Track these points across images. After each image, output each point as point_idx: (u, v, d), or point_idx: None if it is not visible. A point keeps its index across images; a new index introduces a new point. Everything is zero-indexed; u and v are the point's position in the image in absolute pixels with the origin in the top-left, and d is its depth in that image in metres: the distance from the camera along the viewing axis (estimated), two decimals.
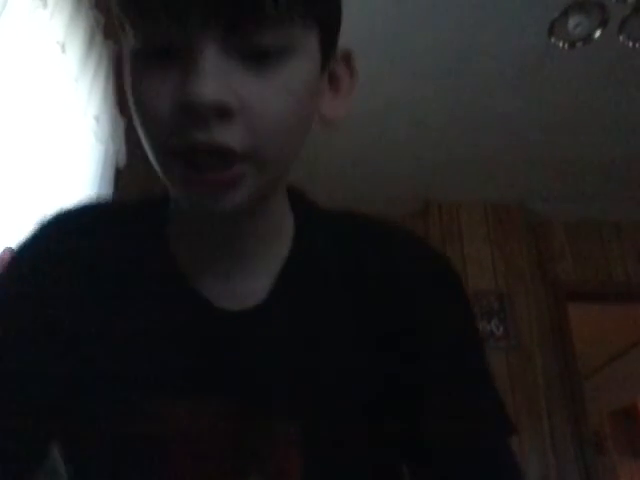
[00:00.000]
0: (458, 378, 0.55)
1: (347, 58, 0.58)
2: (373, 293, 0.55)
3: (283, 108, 0.45)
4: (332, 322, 0.54)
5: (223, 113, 0.42)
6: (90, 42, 1.93)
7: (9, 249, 1.46)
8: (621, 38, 1.95)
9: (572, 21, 1.88)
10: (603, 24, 1.88)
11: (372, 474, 0.54)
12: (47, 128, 1.67)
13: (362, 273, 0.56)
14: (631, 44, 1.96)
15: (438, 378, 0.54)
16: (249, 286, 0.54)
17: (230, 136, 0.43)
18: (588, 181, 3.45)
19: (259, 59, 0.44)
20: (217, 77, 0.41)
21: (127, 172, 2.43)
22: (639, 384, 5.33)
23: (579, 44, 1.95)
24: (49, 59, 1.69)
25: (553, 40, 1.95)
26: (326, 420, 0.51)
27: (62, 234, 0.57)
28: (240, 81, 0.43)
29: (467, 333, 0.58)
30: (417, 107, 2.91)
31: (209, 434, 0.49)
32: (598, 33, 1.90)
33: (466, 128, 3.05)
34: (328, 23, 0.50)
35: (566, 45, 1.96)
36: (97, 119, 2.03)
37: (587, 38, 1.92)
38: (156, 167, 0.47)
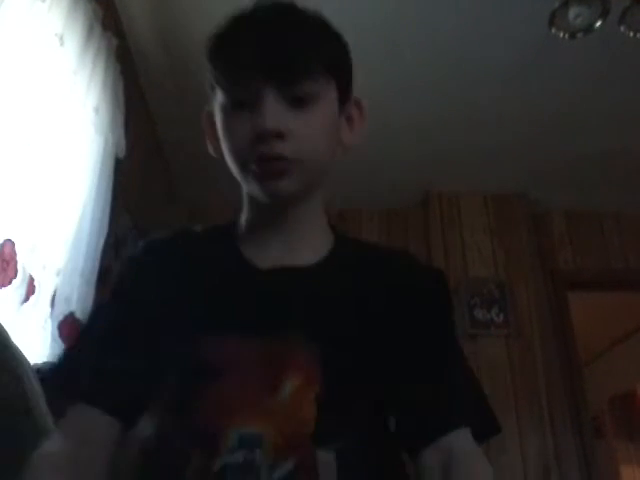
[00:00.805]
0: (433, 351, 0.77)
1: (358, 104, 0.84)
2: (390, 285, 0.77)
3: (314, 134, 0.72)
4: (356, 293, 0.75)
5: (278, 135, 0.69)
6: (89, 34, 1.93)
7: (9, 240, 1.47)
8: (622, 28, 1.94)
9: (573, 12, 1.87)
10: (604, 15, 1.87)
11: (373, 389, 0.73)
12: (46, 120, 1.67)
13: (381, 272, 0.79)
14: (632, 34, 1.96)
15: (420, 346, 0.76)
16: (296, 262, 0.77)
17: (282, 148, 0.70)
18: (588, 170, 3.44)
19: (299, 103, 0.71)
20: (274, 115, 0.69)
21: (127, 162, 2.44)
22: (638, 370, 5.36)
23: (580, 35, 1.94)
24: (48, 51, 1.69)
25: (553, 31, 1.94)
26: (338, 347, 0.69)
27: (164, 238, 0.85)
28: (288, 116, 0.70)
29: (447, 323, 0.82)
30: (417, 98, 2.90)
31: (253, 357, 0.68)
32: (599, 24, 1.90)
33: (466, 118, 3.04)
34: (342, 82, 0.78)
35: (567, 36, 1.95)
36: (96, 110, 2.03)
37: (588, 29, 1.91)
38: (237, 173, 0.75)
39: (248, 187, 0.76)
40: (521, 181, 3.61)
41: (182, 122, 3.08)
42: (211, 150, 0.82)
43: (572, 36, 1.95)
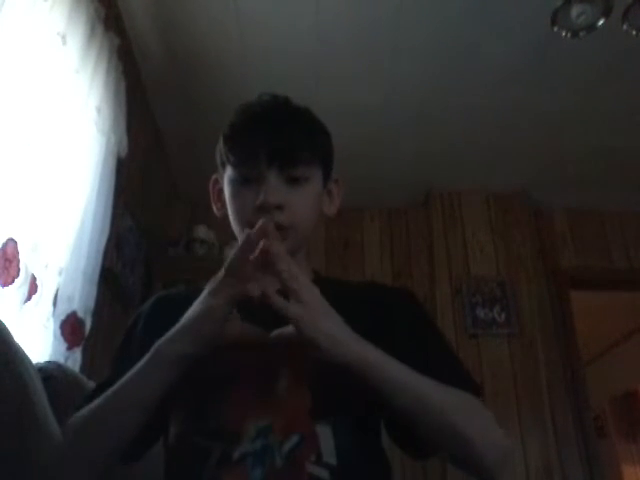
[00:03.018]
0: (421, 344, 0.89)
1: (337, 182, 1.03)
2: (369, 306, 0.93)
3: (305, 207, 0.91)
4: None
5: (278, 207, 0.86)
6: (91, 34, 1.93)
7: (12, 240, 1.48)
8: (624, 27, 1.93)
9: (575, 10, 1.86)
10: (606, 13, 1.86)
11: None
12: (49, 119, 1.67)
13: (359, 298, 0.94)
14: (634, 33, 1.95)
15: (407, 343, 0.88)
16: None
17: (281, 218, 0.87)
18: (589, 169, 3.43)
19: (295, 182, 0.90)
20: (275, 191, 0.87)
21: (128, 162, 2.44)
22: None
23: (582, 33, 1.93)
24: (50, 51, 1.69)
25: (556, 29, 1.93)
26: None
27: (169, 292, 1.03)
28: (286, 192, 0.88)
29: (426, 324, 0.95)
30: (418, 96, 2.90)
31: (255, 365, 0.82)
32: (601, 22, 1.89)
33: (467, 117, 3.04)
34: (326, 167, 0.98)
35: (569, 34, 1.94)
36: (98, 110, 2.03)
37: (590, 27, 1.90)
38: (239, 234, 0.90)
39: None
40: (523, 180, 3.61)
41: (183, 122, 3.09)
42: (215, 210, 1.01)
43: (575, 34, 1.94)
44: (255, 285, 0.75)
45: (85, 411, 0.83)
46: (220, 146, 0.95)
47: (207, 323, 0.77)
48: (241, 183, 0.91)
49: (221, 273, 0.79)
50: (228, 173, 0.93)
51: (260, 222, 0.78)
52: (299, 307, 0.75)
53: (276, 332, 0.78)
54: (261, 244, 0.76)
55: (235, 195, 0.92)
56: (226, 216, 0.95)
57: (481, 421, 0.81)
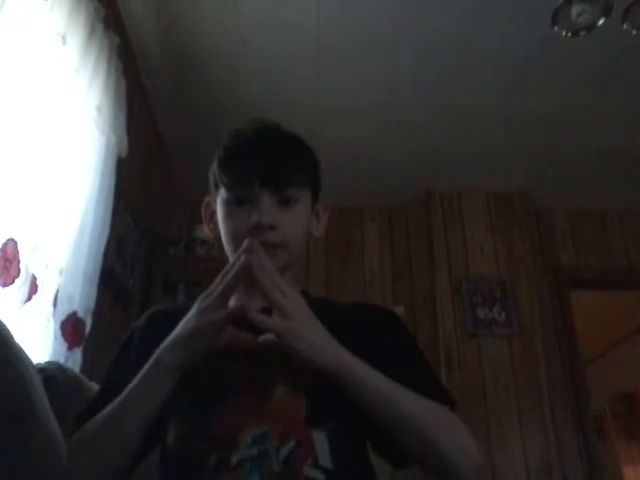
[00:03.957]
0: (403, 360, 0.92)
1: (324, 204, 1.07)
2: (352, 323, 0.95)
3: (296, 226, 0.96)
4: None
5: (271, 227, 0.91)
6: (91, 33, 1.93)
7: (12, 240, 1.47)
8: (624, 26, 1.93)
9: (575, 10, 1.86)
10: (606, 13, 1.86)
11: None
12: (49, 119, 1.67)
13: (343, 315, 0.98)
14: (634, 32, 1.95)
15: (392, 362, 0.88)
16: None
17: (274, 237, 0.91)
18: (589, 168, 3.44)
19: (286, 203, 0.94)
20: (268, 212, 0.91)
21: (128, 162, 2.44)
22: None
23: (582, 33, 1.93)
24: (50, 51, 1.68)
25: (556, 29, 1.93)
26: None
27: (163, 307, 1.06)
28: (278, 213, 0.92)
29: (407, 341, 0.97)
30: (418, 96, 2.90)
31: (252, 374, 0.83)
32: (601, 22, 1.89)
33: (467, 117, 3.05)
34: (315, 190, 1.03)
35: (569, 34, 1.94)
36: (98, 109, 2.03)
37: (590, 27, 1.91)
38: (231, 253, 0.94)
39: None
40: (523, 179, 3.61)
41: (183, 122, 3.08)
42: (207, 231, 1.06)
43: (575, 34, 1.94)
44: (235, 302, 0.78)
45: (89, 427, 0.85)
46: (214, 168, 0.99)
47: (196, 341, 0.81)
48: (235, 204, 0.94)
49: (214, 291, 0.82)
50: (222, 195, 0.97)
51: (246, 242, 0.81)
52: (281, 319, 0.78)
53: (263, 337, 0.82)
54: (243, 259, 0.79)
55: (229, 215, 0.96)
56: (219, 237, 0.99)
57: (454, 433, 0.82)
